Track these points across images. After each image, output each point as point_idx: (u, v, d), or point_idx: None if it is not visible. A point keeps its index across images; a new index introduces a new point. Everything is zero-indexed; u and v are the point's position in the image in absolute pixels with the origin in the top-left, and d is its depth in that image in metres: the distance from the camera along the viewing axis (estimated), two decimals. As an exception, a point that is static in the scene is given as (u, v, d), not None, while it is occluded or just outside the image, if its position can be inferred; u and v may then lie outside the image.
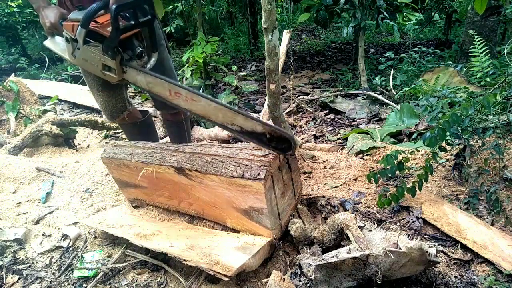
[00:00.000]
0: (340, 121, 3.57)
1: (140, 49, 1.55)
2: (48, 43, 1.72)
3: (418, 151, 2.12)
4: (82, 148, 3.26)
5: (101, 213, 1.89)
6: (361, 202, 1.82)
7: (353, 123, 3.49)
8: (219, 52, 8.05)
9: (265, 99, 3.06)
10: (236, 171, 1.35)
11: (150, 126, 2.33)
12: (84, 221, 1.79)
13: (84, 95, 4.43)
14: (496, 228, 1.58)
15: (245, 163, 1.36)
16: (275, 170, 1.37)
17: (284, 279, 1.27)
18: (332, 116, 3.73)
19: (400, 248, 1.23)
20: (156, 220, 1.76)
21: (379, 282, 1.20)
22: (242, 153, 1.41)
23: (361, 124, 3.44)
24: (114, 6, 1.36)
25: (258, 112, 3.86)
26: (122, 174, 1.83)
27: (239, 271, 1.27)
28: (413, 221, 1.65)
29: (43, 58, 7.20)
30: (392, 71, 4.42)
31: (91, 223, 1.75)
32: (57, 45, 1.69)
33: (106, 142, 3.41)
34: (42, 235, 1.82)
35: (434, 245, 1.32)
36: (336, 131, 3.28)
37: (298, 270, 1.36)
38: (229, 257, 1.33)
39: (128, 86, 2.26)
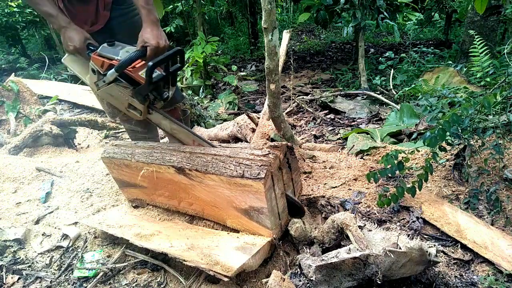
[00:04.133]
0: (340, 121, 3.57)
1: (167, 94, 1.62)
2: (67, 61, 1.71)
3: (418, 151, 2.12)
4: (82, 148, 3.26)
5: (101, 213, 1.89)
6: (361, 202, 1.82)
7: (353, 123, 3.49)
8: (219, 52, 8.06)
9: (265, 99, 3.06)
10: (236, 171, 1.35)
11: (150, 124, 2.33)
12: (84, 221, 1.79)
13: (84, 95, 4.43)
14: (496, 228, 1.58)
15: (245, 162, 1.36)
16: (275, 170, 1.37)
17: (284, 279, 1.27)
18: (332, 116, 3.73)
19: (400, 248, 1.23)
20: (156, 220, 1.76)
21: (379, 282, 1.20)
22: (242, 153, 1.41)
23: (361, 124, 3.44)
24: (150, 64, 1.41)
25: (258, 112, 3.86)
26: (122, 174, 1.83)
27: (239, 271, 1.27)
28: (413, 221, 1.65)
29: (43, 58, 7.20)
30: (392, 71, 4.42)
31: (91, 223, 1.75)
32: (77, 66, 1.69)
33: (106, 142, 3.41)
34: (42, 235, 1.82)
35: (434, 245, 1.31)
36: (336, 131, 3.28)
37: (298, 270, 1.36)
38: (229, 257, 1.33)
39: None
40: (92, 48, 1.61)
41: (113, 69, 1.48)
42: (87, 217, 1.87)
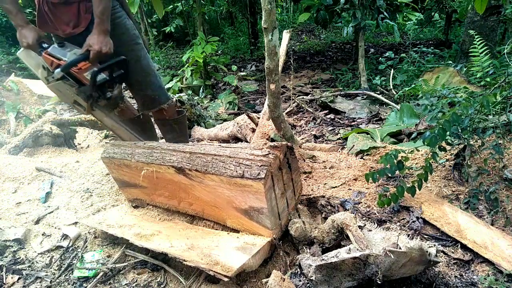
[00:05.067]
0: (340, 121, 3.57)
1: (110, 94, 1.82)
2: (22, 55, 1.85)
3: (418, 150, 2.12)
4: (82, 148, 3.26)
5: (101, 213, 1.89)
6: (361, 202, 1.82)
7: (353, 123, 3.49)
8: (219, 52, 8.06)
9: (265, 99, 3.06)
10: (236, 171, 1.35)
11: (146, 123, 2.34)
12: (84, 221, 1.79)
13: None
14: (496, 228, 1.58)
15: (245, 163, 1.36)
16: (275, 170, 1.37)
17: (284, 279, 1.27)
18: (332, 116, 3.73)
19: (400, 248, 1.23)
20: (156, 220, 1.76)
21: (379, 282, 1.20)
22: (242, 153, 1.41)
23: (361, 124, 3.44)
24: (96, 70, 1.67)
25: (258, 112, 3.86)
26: (122, 174, 1.83)
27: (239, 271, 1.27)
28: (413, 221, 1.65)
29: (43, 58, 7.18)
30: (392, 71, 4.42)
31: (91, 223, 1.75)
32: (30, 60, 1.85)
33: (106, 142, 3.41)
34: (42, 235, 1.82)
35: (434, 245, 1.31)
36: (336, 131, 3.28)
37: (298, 270, 1.36)
38: (229, 257, 1.33)
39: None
40: (44, 46, 1.76)
41: (59, 69, 1.66)
42: (87, 217, 1.87)
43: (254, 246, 1.37)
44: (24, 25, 1.76)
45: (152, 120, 2.42)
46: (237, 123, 3.04)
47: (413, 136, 2.48)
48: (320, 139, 3.14)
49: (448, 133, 1.53)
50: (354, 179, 2.08)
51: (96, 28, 1.70)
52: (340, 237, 1.42)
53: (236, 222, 1.52)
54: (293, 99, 4.11)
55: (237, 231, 1.54)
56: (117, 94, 1.88)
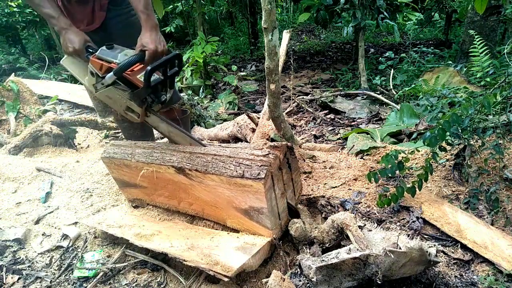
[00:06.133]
0: (340, 121, 3.57)
1: (165, 97, 1.62)
2: (66, 63, 1.71)
3: (418, 151, 2.12)
4: (82, 148, 3.26)
5: (101, 213, 1.89)
6: (361, 202, 1.82)
7: (353, 123, 3.49)
8: (219, 52, 8.06)
9: (265, 99, 3.06)
10: (236, 171, 1.35)
11: (144, 124, 2.34)
12: (84, 221, 1.79)
13: (84, 95, 4.43)
14: (496, 228, 1.58)
15: (245, 163, 1.36)
16: (275, 170, 1.37)
17: (284, 279, 1.27)
18: (332, 116, 3.73)
19: (400, 248, 1.23)
20: (156, 220, 1.76)
21: (379, 282, 1.20)
22: (242, 153, 1.41)
23: (361, 124, 3.44)
24: (149, 68, 1.44)
25: (258, 112, 3.86)
26: (122, 174, 1.83)
27: (239, 271, 1.27)
28: (413, 221, 1.65)
29: (43, 58, 7.20)
30: (392, 71, 4.42)
31: (91, 223, 1.75)
32: (75, 67, 1.70)
33: (106, 142, 3.41)
34: (42, 235, 1.82)
35: (434, 245, 1.32)
36: (336, 131, 3.28)
37: (298, 270, 1.36)
38: (229, 257, 1.33)
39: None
40: (91, 50, 1.62)
41: (111, 73, 1.50)
42: (87, 217, 1.87)
43: (254, 246, 1.37)
44: (69, 28, 1.61)
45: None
46: (237, 123, 3.04)
47: (413, 136, 2.48)
48: (320, 139, 3.14)
49: (448, 133, 1.53)
50: (354, 179, 2.08)
51: (146, 25, 1.56)
52: (340, 237, 1.42)
53: (236, 222, 1.52)
54: (293, 99, 4.11)
55: (237, 231, 1.54)
56: (171, 97, 1.69)
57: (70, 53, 1.62)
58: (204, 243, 1.47)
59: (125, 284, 1.49)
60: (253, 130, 2.86)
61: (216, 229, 1.62)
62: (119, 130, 3.44)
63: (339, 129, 3.33)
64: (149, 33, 1.55)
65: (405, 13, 4.90)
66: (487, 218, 1.65)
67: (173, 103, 2.07)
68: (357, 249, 1.26)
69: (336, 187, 2.02)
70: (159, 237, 1.55)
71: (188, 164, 1.50)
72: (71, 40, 1.59)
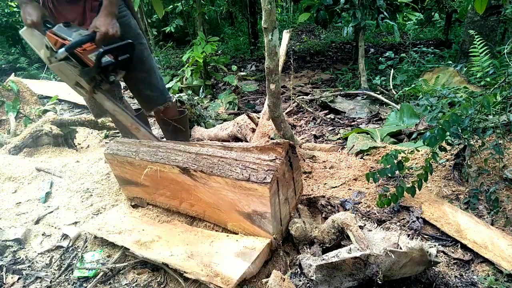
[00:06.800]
0: (340, 121, 3.57)
1: (114, 78, 1.80)
2: (25, 34, 1.82)
3: (418, 151, 2.12)
4: (82, 148, 3.26)
5: (100, 216, 1.87)
6: (361, 202, 1.82)
7: (353, 123, 3.49)
8: (219, 52, 8.06)
9: (265, 99, 3.06)
10: (243, 174, 1.35)
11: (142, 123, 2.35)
12: (84, 227, 1.77)
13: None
14: (496, 228, 1.58)
15: (251, 166, 1.35)
16: (281, 175, 1.37)
17: (284, 279, 1.27)
18: (332, 116, 3.73)
19: (400, 248, 1.23)
20: (155, 221, 1.75)
21: (379, 282, 1.20)
22: (249, 157, 1.41)
23: (361, 124, 3.44)
24: (101, 50, 1.63)
25: (258, 112, 3.86)
26: (125, 172, 1.83)
27: (239, 281, 1.27)
28: (413, 221, 1.65)
29: (43, 58, 7.18)
30: (392, 71, 4.42)
31: (91, 229, 1.73)
32: (33, 39, 1.81)
33: (106, 142, 3.41)
34: (42, 235, 1.82)
35: (434, 245, 1.31)
36: (336, 131, 3.28)
37: (298, 270, 1.36)
38: (229, 266, 1.32)
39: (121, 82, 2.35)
40: (48, 26, 1.73)
41: (63, 48, 1.62)
42: (87, 223, 1.84)
43: (253, 251, 1.37)
44: (28, 2, 1.73)
45: (152, 120, 2.43)
46: (237, 123, 3.04)
47: (413, 136, 2.48)
48: (320, 139, 3.14)
49: (448, 133, 1.53)
50: (354, 179, 2.08)
51: (104, 10, 1.67)
52: (340, 237, 1.42)
53: (238, 225, 1.52)
54: (293, 99, 4.11)
55: (237, 233, 1.54)
56: (119, 79, 1.85)
57: (28, 25, 1.73)
58: (204, 249, 1.45)
59: (125, 284, 1.49)
60: (253, 130, 2.86)
61: (217, 231, 1.61)
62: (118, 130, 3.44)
63: (339, 129, 3.33)
64: (104, 17, 1.66)
65: (405, 13, 4.90)
66: (487, 218, 1.65)
67: (157, 104, 2.13)
68: (358, 249, 1.26)
69: (336, 187, 2.02)
70: (159, 244, 1.54)
71: (193, 165, 1.49)
72: (30, 13, 1.71)
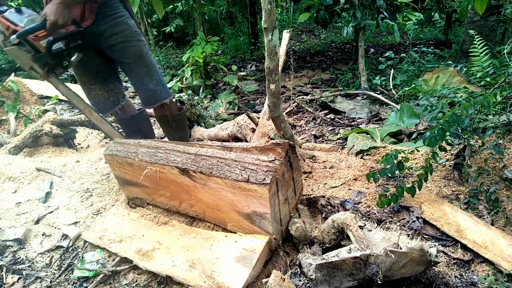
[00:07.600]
0: (340, 121, 3.57)
1: (67, 63, 1.88)
2: None
3: (418, 151, 2.12)
4: (82, 148, 3.26)
5: (100, 222, 1.84)
6: (361, 202, 1.82)
7: (353, 123, 3.49)
8: (219, 52, 8.06)
9: (265, 99, 3.06)
10: (242, 175, 1.35)
11: (144, 122, 2.36)
12: (85, 237, 1.76)
13: (84, 95, 4.43)
14: (496, 228, 1.58)
15: (251, 167, 1.35)
16: (280, 176, 1.37)
17: (284, 279, 1.27)
18: (332, 116, 3.73)
19: (401, 248, 1.23)
20: (154, 224, 1.74)
21: (379, 282, 1.20)
22: (248, 158, 1.41)
23: (361, 124, 3.44)
24: (51, 39, 1.70)
25: (258, 112, 3.86)
26: (124, 172, 1.83)
27: None
28: (413, 221, 1.65)
29: (43, 58, 7.17)
30: (392, 71, 4.42)
31: (93, 239, 1.71)
32: None
33: (106, 142, 3.41)
34: (42, 235, 1.82)
35: (435, 245, 1.31)
36: (336, 131, 3.28)
37: (298, 269, 1.36)
38: (231, 274, 1.32)
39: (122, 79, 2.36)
40: (1, 10, 1.76)
41: (15, 35, 1.66)
42: (88, 231, 1.81)
43: (253, 253, 1.37)
44: None
45: (152, 120, 2.44)
46: (237, 123, 3.04)
47: (413, 136, 2.48)
48: (320, 139, 3.13)
49: (448, 133, 1.53)
50: (354, 179, 2.08)
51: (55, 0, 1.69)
52: (340, 237, 1.42)
53: (237, 226, 1.52)
54: (293, 99, 4.11)
55: (235, 233, 1.54)
56: (75, 61, 1.90)
57: None
58: (205, 255, 1.45)
59: (125, 284, 1.49)
60: (253, 130, 2.86)
61: (217, 230, 1.61)
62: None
63: (339, 129, 3.33)
64: (55, 5, 1.66)
65: (405, 13, 4.90)
66: (487, 218, 1.65)
67: (163, 98, 2.14)
68: (358, 249, 1.26)
69: (336, 187, 2.02)
70: (160, 252, 1.53)
71: (192, 166, 1.49)
72: None
